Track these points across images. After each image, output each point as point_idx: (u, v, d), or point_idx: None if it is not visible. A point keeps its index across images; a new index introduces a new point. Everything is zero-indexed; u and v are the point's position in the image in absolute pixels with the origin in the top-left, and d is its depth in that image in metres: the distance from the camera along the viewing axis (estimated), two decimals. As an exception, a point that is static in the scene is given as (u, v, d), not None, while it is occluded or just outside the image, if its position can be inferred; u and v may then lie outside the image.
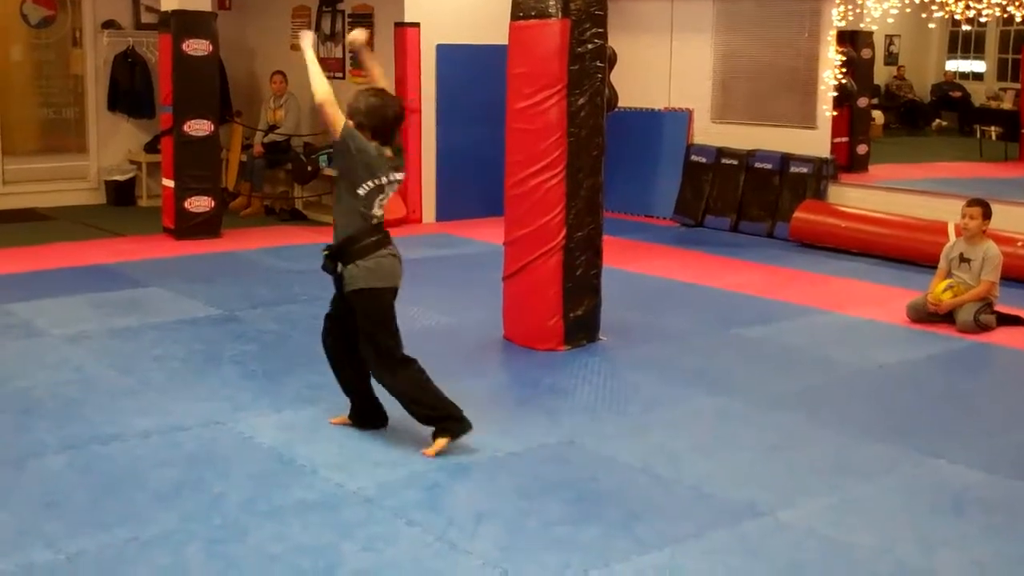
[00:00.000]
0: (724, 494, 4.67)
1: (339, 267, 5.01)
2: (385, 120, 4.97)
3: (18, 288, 8.22)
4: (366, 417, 5.34)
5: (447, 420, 5.06)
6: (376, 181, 4.96)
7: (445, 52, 11.26)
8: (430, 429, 5.08)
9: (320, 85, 4.94)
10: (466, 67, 11.22)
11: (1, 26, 12.24)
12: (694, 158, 11.58)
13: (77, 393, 5.88)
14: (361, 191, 4.95)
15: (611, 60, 9.53)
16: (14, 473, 4.79)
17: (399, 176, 5.06)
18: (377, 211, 5.03)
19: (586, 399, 5.92)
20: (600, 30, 6.69)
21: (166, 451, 5.07)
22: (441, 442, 5.03)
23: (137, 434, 5.23)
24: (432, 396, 5.07)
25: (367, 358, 5.11)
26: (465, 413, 5.05)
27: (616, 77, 10.44)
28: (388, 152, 5.02)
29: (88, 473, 4.82)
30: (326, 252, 5.05)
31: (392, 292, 5.08)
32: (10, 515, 4.38)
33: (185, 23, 10.32)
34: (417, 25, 11.13)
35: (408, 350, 5.09)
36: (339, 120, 4.90)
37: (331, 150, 11.58)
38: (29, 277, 8.64)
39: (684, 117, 11.76)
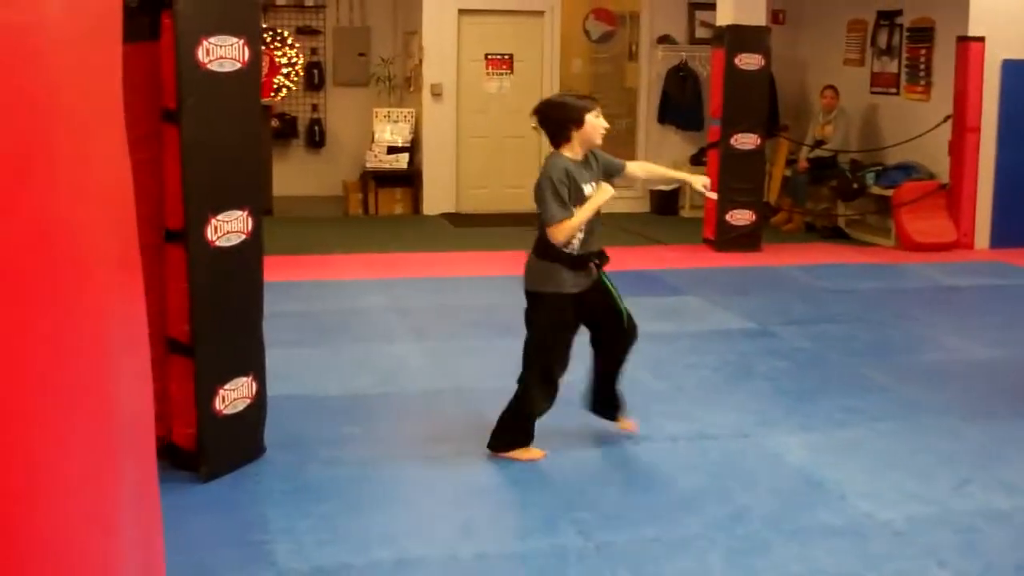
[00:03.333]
0: None
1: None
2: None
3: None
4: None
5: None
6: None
7: (1012, 68, 10.50)
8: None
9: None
10: (1035, 85, 10.42)
11: (565, 40, 13.10)
12: None
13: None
14: None
15: None
16: (554, 462, 5.05)
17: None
18: None
19: None
20: None
21: (693, 457, 5.13)
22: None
23: (666, 437, 5.34)
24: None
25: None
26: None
27: None
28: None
29: (620, 470, 5.00)
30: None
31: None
32: (548, 500, 4.63)
33: (739, 37, 10.45)
34: (982, 39, 10.47)
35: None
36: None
37: (879, 167, 11.36)
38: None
39: None
